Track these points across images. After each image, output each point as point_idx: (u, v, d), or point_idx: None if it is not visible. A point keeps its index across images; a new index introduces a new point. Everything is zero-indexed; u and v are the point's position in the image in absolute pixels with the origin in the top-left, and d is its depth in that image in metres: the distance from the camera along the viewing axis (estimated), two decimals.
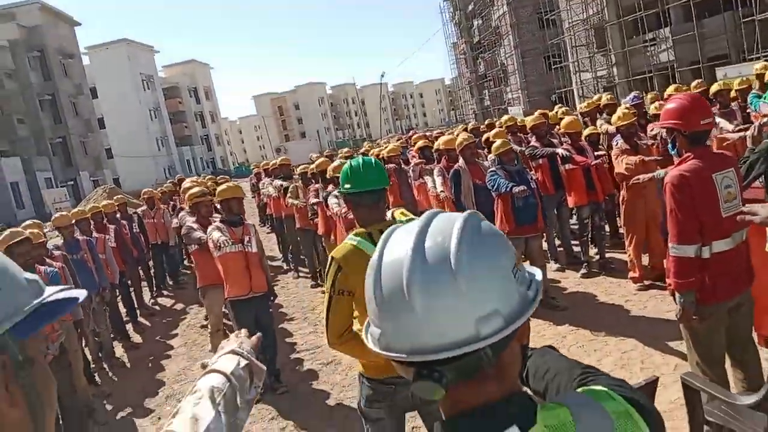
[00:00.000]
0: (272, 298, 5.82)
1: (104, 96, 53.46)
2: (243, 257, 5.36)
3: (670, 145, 3.16)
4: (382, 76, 47.56)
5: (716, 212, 2.96)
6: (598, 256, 7.23)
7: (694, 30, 25.32)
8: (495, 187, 5.96)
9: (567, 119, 7.23)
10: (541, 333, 5.62)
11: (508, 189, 5.82)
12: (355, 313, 2.70)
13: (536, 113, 8.24)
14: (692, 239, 2.94)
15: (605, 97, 9.11)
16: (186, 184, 8.86)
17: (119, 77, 55.18)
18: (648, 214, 6.21)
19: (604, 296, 6.34)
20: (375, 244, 0.84)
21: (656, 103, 7.59)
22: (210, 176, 17.10)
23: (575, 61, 34.56)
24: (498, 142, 6.37)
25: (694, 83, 9.18)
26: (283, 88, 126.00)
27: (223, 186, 5.72)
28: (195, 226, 5.98)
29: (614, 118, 6.42)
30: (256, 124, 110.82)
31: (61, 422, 4.88)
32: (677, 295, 3.05)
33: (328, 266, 2.69)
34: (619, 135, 6.45)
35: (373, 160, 2.84)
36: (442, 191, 6.95)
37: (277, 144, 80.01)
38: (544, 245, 7.13)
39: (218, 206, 5.72)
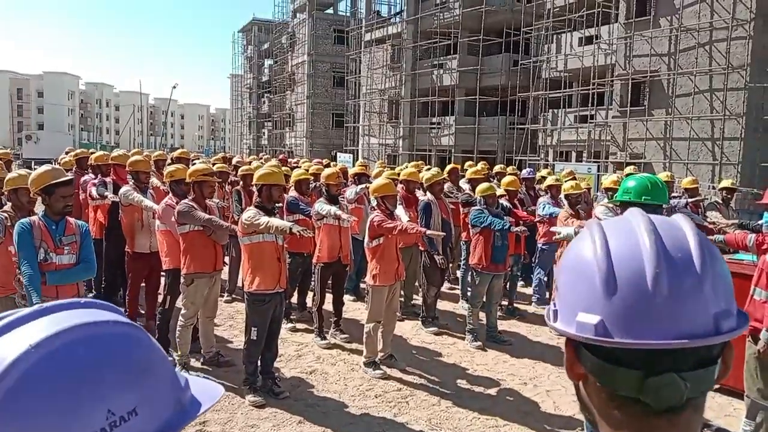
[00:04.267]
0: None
1: None
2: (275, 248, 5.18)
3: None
4: (174, 87, 44.81)
5: None
6: (507, 302, 8.20)
7: (474, 125, 29.53)
8: (487, 223, 6.57)
9: (508, 178, 8.25)
10: (510, 362, 6.31)
11: (504, 227, 6.49)
12: None
13: (479, 166, 9.19)
14: None
15: (498, 167, 10.49)
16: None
17: None
18: None
19: (532, 336, 7.29)
20: None
21: (614, 177, 8.58)
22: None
23: (366, 125, 37.25)
24: (484, 184, 7.06)
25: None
26: (27, 70, 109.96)
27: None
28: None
29: (566, 186, 7.59)
30: None
31: None
32: (765, 333, 4.03)
33: None
34: (549, 198, 7.94)
35: None
36: (408, 220, 7.32)
37: (9, 129, 69.01)
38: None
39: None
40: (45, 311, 0.68)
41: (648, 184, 3.73)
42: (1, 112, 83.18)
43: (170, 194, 6.14)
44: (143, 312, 6.71)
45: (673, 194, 8.92)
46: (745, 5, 18.61)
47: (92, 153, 9.43)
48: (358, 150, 37.44)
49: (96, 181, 7.50)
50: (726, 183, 9.26)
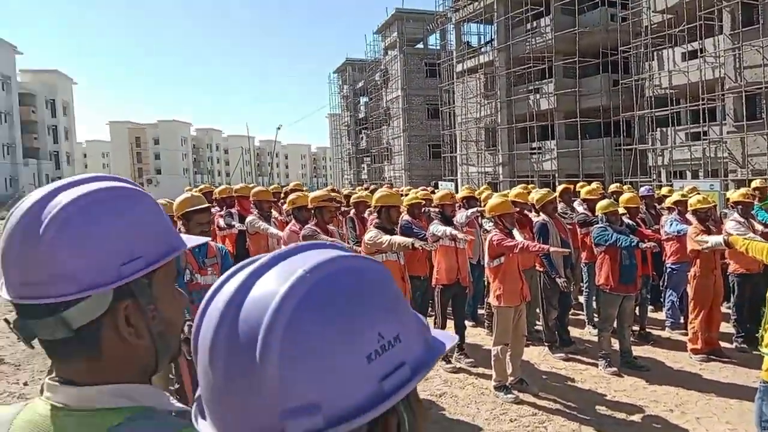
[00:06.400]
0: None
1: None
2: None
3: None
4: (279, 128, 47.06)
5: None
6: (638, 327, 7.69)
7: (577, 147, 28.65)
8: (612, 240, 6.25)
9: (627, 195, 7.86)
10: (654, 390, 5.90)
11: (632, 244, 6.15)
12: None
13: (593, 185, 8.89)
14: None
15: (614, 186, 10.11)
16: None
17: None
18: (716, 291, 6.88)
19: (671, 362, 6.78)
20: None
21: (742, 190, 7.91)
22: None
23: (464, 154, 37.16)
24: (604, 201, 6.78)
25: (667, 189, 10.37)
26: (143, 119, 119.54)
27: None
28: None
29: (693, 201, 7.12)
30: (105, 151, 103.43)
31: None
32: None
33: None
34: (676, 215, 7.52)
35: None
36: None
37: (130, 174, 75.11)
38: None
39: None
40: (299, 249, 0.72)
41: None
42: (124, 160, 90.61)
43: (293, 221, 6.33)
44: None
45: None
46: None
47: (215, 188, 9.98)
48: (457, 179, 37.38)
49: (222, 212, 7.88)
50: None
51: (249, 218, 7.04)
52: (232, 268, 0.72)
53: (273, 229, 6.78)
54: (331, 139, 65.99)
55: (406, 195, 8.57)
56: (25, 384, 5.75)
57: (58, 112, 64.40)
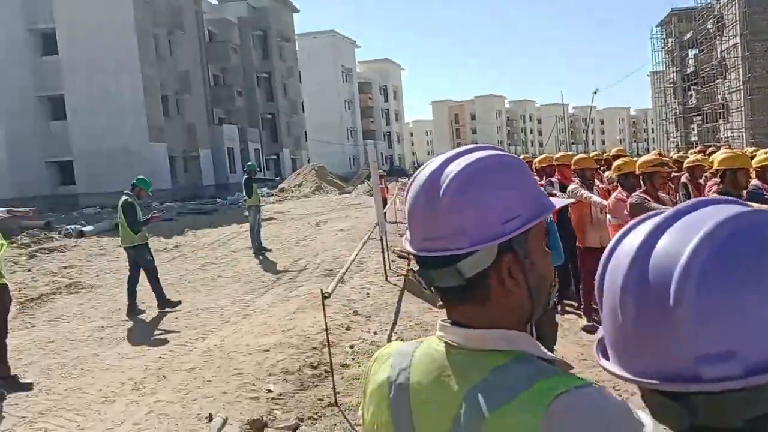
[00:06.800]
0: None
1: (305, 82, 56.34)
2: None
3: None
4: (595, 92, 45.40)
5: None
6: None
7: None
8: None
9: None
10: None
11: None
12: None
13: None
14: None
15: None
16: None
17: (323, 66, 58.15)
18: None
19: None
20: None
21: None
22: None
23: None
24: None
25: None
26: (461, 97, 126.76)
27: None
28: None
29: None
30: (428, 129, 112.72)
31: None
32: None
33: None
34: None
35: None
36: None
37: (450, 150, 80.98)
38: None
39: None
40: (701, 204, 0.75)
41: None
42: (444, 136, 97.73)
43: (619, 188, 6.14)
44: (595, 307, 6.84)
45: None
46: None
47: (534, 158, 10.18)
48: None
49: (543, 182, 8.01)
50: None
51: (571, 186, 7.02)
52: (630, 223, 0.78)
53: (596, 198, 6.66)
54: (654, 99, 60.82)
55: (754, 157, 7.57)
56: (375, 333, 6.72)
57: (389, 96, 72.80)
